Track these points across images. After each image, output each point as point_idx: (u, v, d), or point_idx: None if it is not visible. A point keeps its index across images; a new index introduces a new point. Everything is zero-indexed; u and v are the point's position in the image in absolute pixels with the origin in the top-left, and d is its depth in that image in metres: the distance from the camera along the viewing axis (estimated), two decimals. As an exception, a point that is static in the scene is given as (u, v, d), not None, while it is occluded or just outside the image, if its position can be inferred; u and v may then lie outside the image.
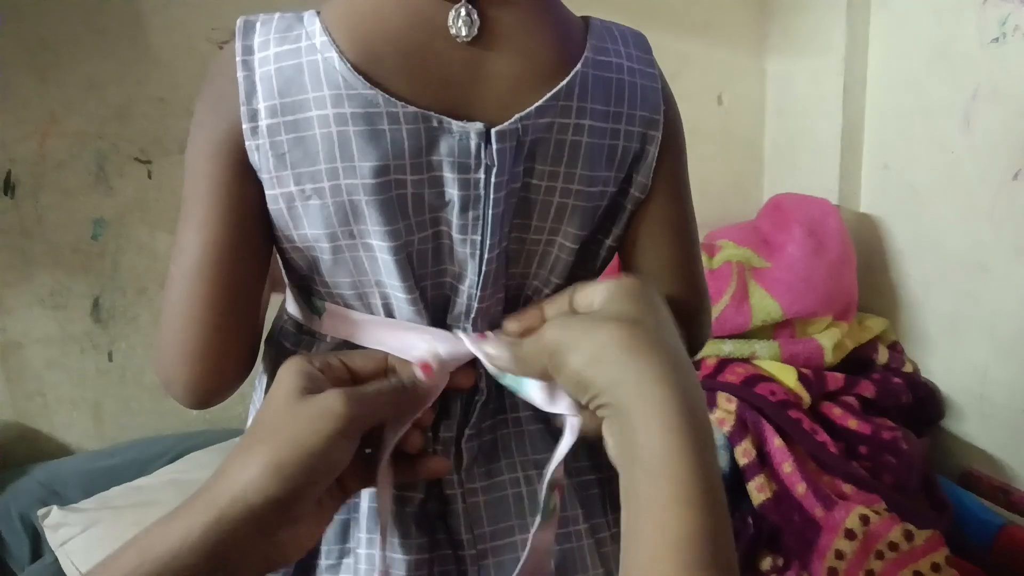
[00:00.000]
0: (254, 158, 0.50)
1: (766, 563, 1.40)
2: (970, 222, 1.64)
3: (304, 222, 0.52)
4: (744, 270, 1.69)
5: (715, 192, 2.07)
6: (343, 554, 0.58)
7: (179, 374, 0.53)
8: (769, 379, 1.55)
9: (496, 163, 0.51)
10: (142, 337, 1.59)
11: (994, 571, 1.40)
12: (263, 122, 0.50)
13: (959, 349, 1.71)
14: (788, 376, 1.55)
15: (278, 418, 0.46)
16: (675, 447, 0.40)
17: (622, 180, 0.58)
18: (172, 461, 1.49)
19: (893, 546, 1.33)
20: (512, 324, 0.53)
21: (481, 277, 0.55)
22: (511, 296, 0.59)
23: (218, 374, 0.53)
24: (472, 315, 0.57)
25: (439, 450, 0.58)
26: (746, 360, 1.61)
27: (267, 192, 0.52)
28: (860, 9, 1.83)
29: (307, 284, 0.58)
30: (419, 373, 0.53)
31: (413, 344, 0.55)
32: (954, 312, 1.72)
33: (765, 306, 1.62)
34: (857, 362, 1.70)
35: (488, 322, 0.58)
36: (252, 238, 0.53)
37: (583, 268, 0.62)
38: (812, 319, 1.66)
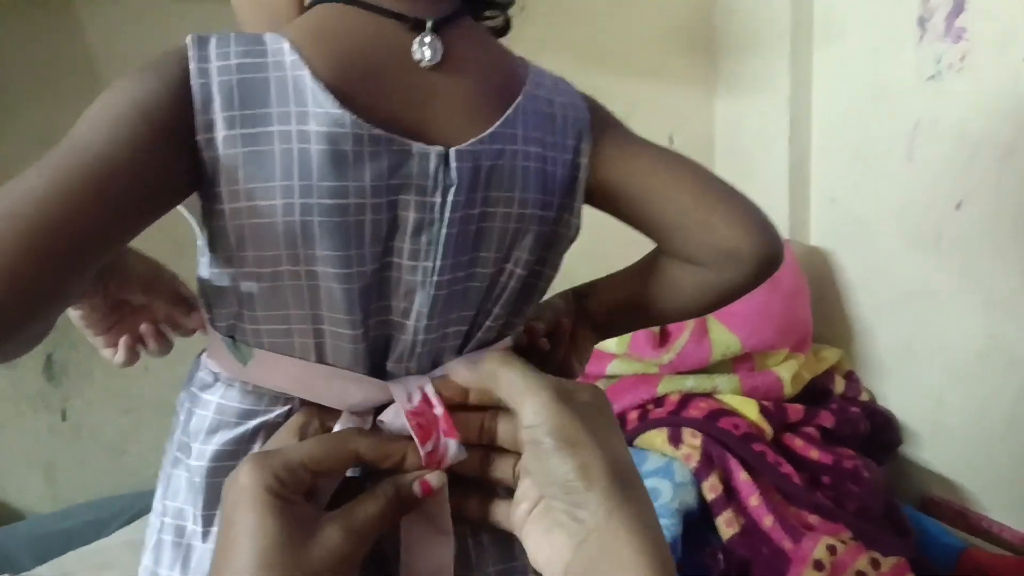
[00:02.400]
0: (208, 168, 0.48)
1: (737, 598, 1.40)
2: (917, 251, 1.69)
3: (247, 243, 0.49)
4: (702, 306, 1.72)
5: (670, 229, 2.10)
6: None
7: None
8: (732, 413, 1.56)
9: (455, 182, 0.52)
10: (97, 393, 1.55)
11: (959, 595, 1.42)
12: (219, 133, 0.47)
13: (913, 376, 1.75)
14: (750, 409, 1.57)
15: (276, 564, 0.43)
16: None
17: (557, 206, 0.59)
18: (130, 522, 1.45)
19: (860, 575, 1.34)
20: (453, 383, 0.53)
21: (430, 306, 0.54)
22: (461, 337, 0.59)
23: (11, 297, 0.40)
24: (416, 351, 0.56)
25: None
26: (708, 395, 1.63)
27: (216, 207, 0.49)
28: (803, 50, 1.89)
29: (232, 325, 0.54)
30: (417, 489, 0.51)
31: (351, 394, 0.54)
32: (906, 340, 1.76)
33: (724, 340, 1.64)
34: (814, 393, 1.73)
35: (431, 362, 0.57)
36: (134, 205, 0.45)
37: (525, 301, 0.62)
38: (770, 352, 1.68)
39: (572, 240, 0.62)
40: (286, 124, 0.48)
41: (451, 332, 0.57)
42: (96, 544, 1.39)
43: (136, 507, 1.47)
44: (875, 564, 1.35)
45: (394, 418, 0.53)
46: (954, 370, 1.65)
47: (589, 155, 0.60)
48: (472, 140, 0.53)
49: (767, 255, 0.61)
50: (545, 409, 0.46)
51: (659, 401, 1.64)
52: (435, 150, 0.51)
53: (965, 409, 1.65)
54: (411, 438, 0.52)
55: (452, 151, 0.52)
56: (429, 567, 0.54)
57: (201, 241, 0.54)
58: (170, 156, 0.47)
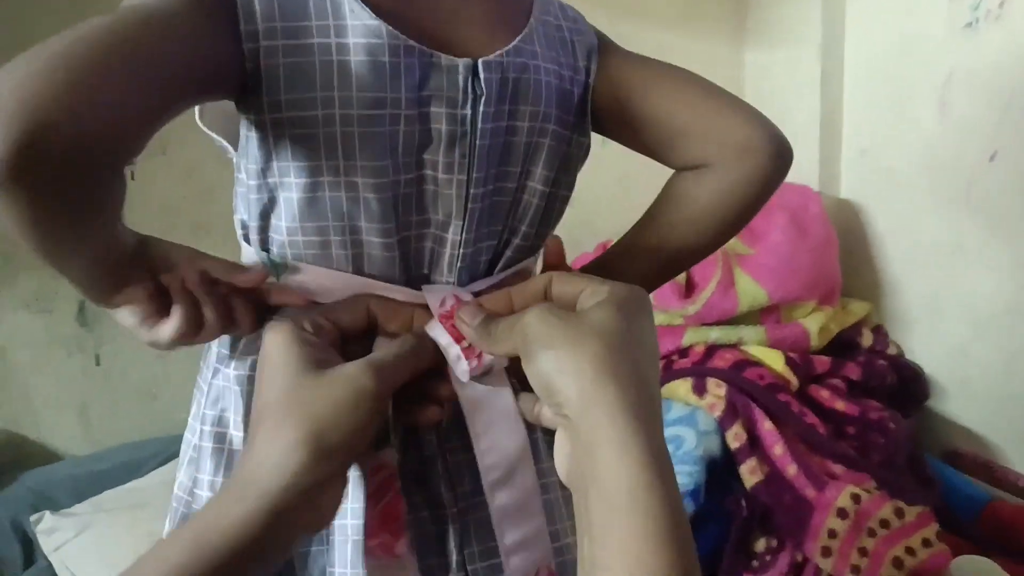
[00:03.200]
0: (251, 77, 0.48)
1: (760, 544, 1.42)
2: (947, 205, 1.67)
3: (288, 152, 0.50)
4: (729, 257, 1.71)
5: (697, 182, 2.08)
6: None
7: (24, 80, 0.37)
8: (757, 364, 1.56)
9: (484, 93, 0.53)
10: (129, 339, 1.56)
11: (982, 545, 1.43)
12: (261, 44, 0.48)
13: (940, 330, 1.74)
14: (776, 360, 1.57)
15: (302, 394, 0.45)
16: (646, 481, 0.39)
17: (573, 126, 0.61)
18: (163, 463, 1.48)
19: (884, 523, 1.35)
20: (477, 309, 0.53)
21: (466, 219, 0.56)
22: (493, 251, 0.60)
23: (96, 128, 0.39)
24: (457, 264, 0.57)
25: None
26: (734, 346, 1.63)
27: (259, 117, 0.49)
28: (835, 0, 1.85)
29: (268, 237, 0.55)
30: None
31: None
32: (934, 294, 1.75)
33: (751, 292, 1.64)
34: (842, 345, 1.72)
35: (471, 275, 0.59)
36: (189, 60, 0.45)
37: (546, 221, 0.63)
38: (797, 304, 1.68)
39: (583, 160, 0.64)
40: (325, 37, 0.48)
41: (484, 247, 0.59)
42: (131, 484, 1.42)
43: (169, 450, 1.50)
44: (899, 513, 1.36)
45: (433, 330, 0.54)
46: (981, 324, 1.64)
47: (596, 74, 0.62)
48: (499, 51, 0.54)
49: (778, 146, 0.61)
50: (532, 321, 0.46)
51: (684, 352, 1.65)
52: (463, 62, 0.52)
53: (991, 363, 1.64)
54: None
55: (480, 62, 0.53)
56: (505, 455, 0.54)
57: (237, 159, 0.55)
58: (219, 33, 0.47)
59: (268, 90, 0.48)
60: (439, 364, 0.53)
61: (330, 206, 0.52)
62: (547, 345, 0.45)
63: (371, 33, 0.49)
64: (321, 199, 0.52)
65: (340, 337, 0.52)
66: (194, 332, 0.53)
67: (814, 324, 1.65)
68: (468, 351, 0.53)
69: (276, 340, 0.48)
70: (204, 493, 0.58)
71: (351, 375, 0.46)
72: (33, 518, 1.33)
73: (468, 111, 0.53)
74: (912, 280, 1.80)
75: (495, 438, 0.53)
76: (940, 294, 1.73)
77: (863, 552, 1.34)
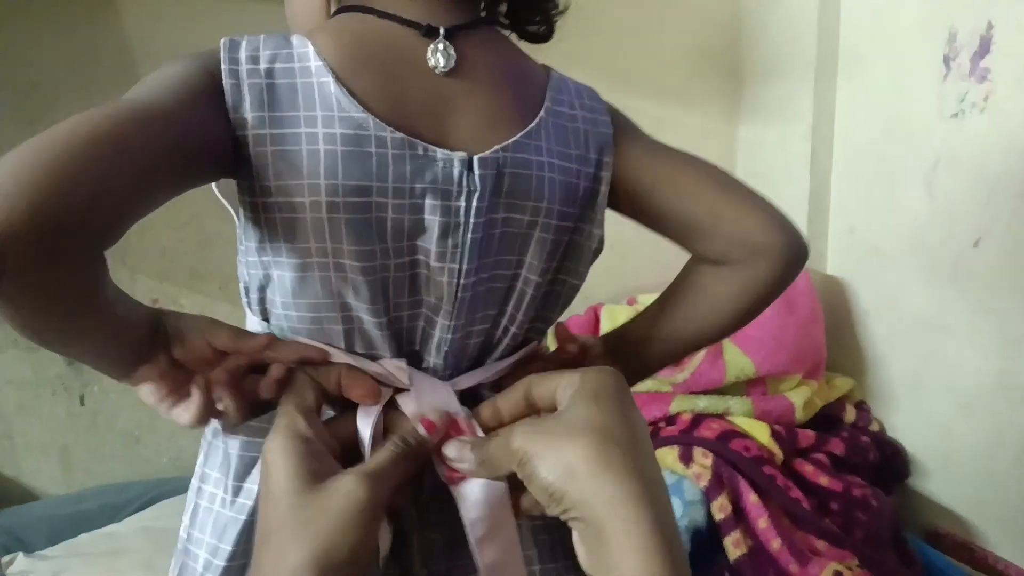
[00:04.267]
0: (243, 162, 0.51)
1: (741, 619, 1.40)
2: (933, 284, 1.71)
3: (279, 233, 0.52)
4: (718, 327, 1.73)
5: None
6: None
7: (32, 180, 0.40)
8: (743, 435, 1.57)
9: (479, 189, 0.54)
10: (115, 382, 1.57)
11: (963, 628, 1.42)
12: (250, 132, 0.50)
13: (923, 407, 1.76)
14: (761, 432, 1.58)
15: (303, 514, 0.45)
16: (653, 569, 0.41)
17: (577, 217, 0.62)
18: (143, 508, 1.46)
19: (866, 602, 1.34)
20: (461, 447, 0.52)
21: (456, 306, 0.57)
22: (485, 336, 0.61)
23: (77, 208, 0.40)
24: (444, 348, 0.58)
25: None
26: (720, 416, 1.64)
27: (250, 199, 0.52)
28: (827, 80, 1.92)
29: (266, 309, 0.58)
30: (421, 429, 0.53)
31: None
32: (918, 371, 1.77)
33: (739, 363, 1.66)
34: (825, 420, 1.74)
35: (456, 360, 0.60)
36: (184, 149, 0.48)
37: (548, 308, 0.64)
38: (783, 377, 1.70)
39: (596, 252, 0.65)
40: (313, 127, 0.51)
41: (475, 331, 0.60)
42: (109, 528, 1.40)
43: (149, 494, 1.49)
44: (881, 592, 1.35)
45: (407, 403, 0.56)
46: (964, 403, 1.66)
47: (612, 167, 0.63)
48: (496, 148, 0.55)
49: (794, 250, 0.64)
50: (523, 444, 0.47)
51: (671, 419, 1.65)
52: (458, 156, 0.54)
53: (974, 443, 1.65)
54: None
55: (476, 158, 0.54)
56: (489, 507, 0.54)
57: (239, 228, 0.57)
58: (209, 118, 0.49)
59: (258, 175, 0.51)
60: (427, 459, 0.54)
61: (320, 285, 0.54)
62: (538, 457, 0.46)
63: (357, 125, 0.51)
64: (311, 279, 0.54)
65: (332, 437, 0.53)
66: (208, 419, 0.54)
67: (799, 398, 1.66)
68: (451, 471, 0.53)
69: (275, 460, 0.48)
70: (198, 551, 0.60)
71: (347, 490, 0.46)
72: (4, 559, 1.31)
73: (462, 203, 0.54)
74: (896, 356, 1.83)
75: (478, 493, 0.53)
76: (924, 371, 1.76)
77: (844, 631, 1.33)
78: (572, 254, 0.63)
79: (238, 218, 0.56)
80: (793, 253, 0.63)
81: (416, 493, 0.58)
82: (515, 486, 0.54)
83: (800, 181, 1.95)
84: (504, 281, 0.60)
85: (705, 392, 1.68)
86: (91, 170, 0.41)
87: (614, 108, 0.67)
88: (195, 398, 0.52)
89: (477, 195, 0.54)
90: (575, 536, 0.47)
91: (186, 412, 0.53)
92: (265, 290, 0.56)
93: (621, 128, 0.65)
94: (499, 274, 0.59)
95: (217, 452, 0.61)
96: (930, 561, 1.56)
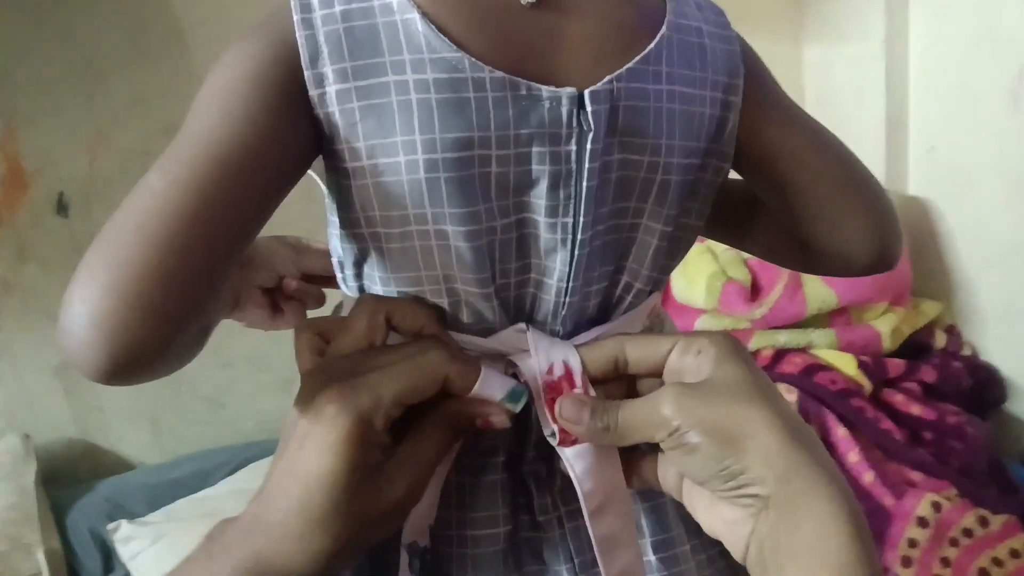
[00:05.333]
0: (324, 126, 0.45)
1: (836, 554, 1.38)
2: (1020, 202, 1.62)
3: (374, 202, 0.47)
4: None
5: (757, 183, 2.05)
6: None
7: (115, 302, 0.38)
8: (828, 368, 1.53)
9: (592, 128, 0.47)
10: (197, 349, 1.60)
11: (1072, 554, 1.37)
12: (331, 88, 0.44)
13: (1016, 330, 1.69)
14: (847, 364, 1.53)
15: (339, 504, 0.41)
16: (855, 555, 0.38)
17: (703, 152, 0.54)
18: (233, 472, 1.50)
19: (968, 532, 1.30)
20: (578, 404, 0.47)
21: (573, 265, 0.50)
22: (603, 296, 0.54)
23: (153, 316, 0.38)
24: (561, 313, 0.52)
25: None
26: (803, 350, 1.59)
27: (339, 165, 0.46)
28: (899, -9, 1.81)
29: (364, 285, 0.52)
30: (480, 424, 0.48)
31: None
32: (1008, 293, 1.69)
33: (820, 294, 1.60)
34: (914, 347, 1.68)
35: (576, 323, 0.53)
36: (263, 182, 0.44)
37: (671, 256, 0.57)
38: (867, 305, 1.64)
39: (719, 186, 0.57)
40: (401, 73, 0.44)
41: (594, 291, 0.53)
42: (202, 492, 1.44)
43: (239, 458, 1.52)
44: (983, 522, 1.31)
45: (526, 369, 0.50)
46: (1062, 323, 1.59)
47: (742, 97, 0.54)
48: (607, 78, 0.48)
49: (878, 267, 0.59)
50: (674, 413, 0.43)
51: (751, 356, 1.62)
52: (567, 92, 0.46)
53: (1074, 364, 1.58)
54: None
55: (587, 92, 0.47)
56: (602, 481, 0.51)
57: (329, 200, 0.52)
58: (289, 122, 0.44)
59: (346, 137, 0.45)
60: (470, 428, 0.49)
61: (421, 256, 0.48)
62: (703, 427, 0.41)
63: (451, 67, 0.44)
64: (411, 249, 0.48)
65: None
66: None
67: (886, 326, 1.61)
68: (565, 433, 0.49)
69: (336, 433, 0.41)
70: None
71: (398, 495, 0.43)
72: (110, 527, 1.36)
73: (573, 147, 0.47)
74: (985, 279, 1.75)
75: (590, 462, 0.49)
76: (1015, 293, 1.67)
77: (945, 562, 1.30)
78: (698, 194, 0.55)
79: (326, 189, 0.51)
80: (875, 269, 0.60)
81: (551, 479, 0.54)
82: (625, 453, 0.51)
83: (875, 102, 1.85)
84: (623, 232, 0.52)
85: (786, 326, 1.63)
86: (176, 279, 0.39)
87: (741, 38, 0.57)
88: (290, 314, 0.63)
89: (591, 135, 0.47)
90: (735, 513, 0.43)
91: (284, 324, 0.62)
92: (362, 265, 0.51)
93: (749, 59, 0.56)
94: (617, 224, 0.52)
95: None
96: (1032, 487, 1.51)
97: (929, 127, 1.83)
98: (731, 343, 0.44)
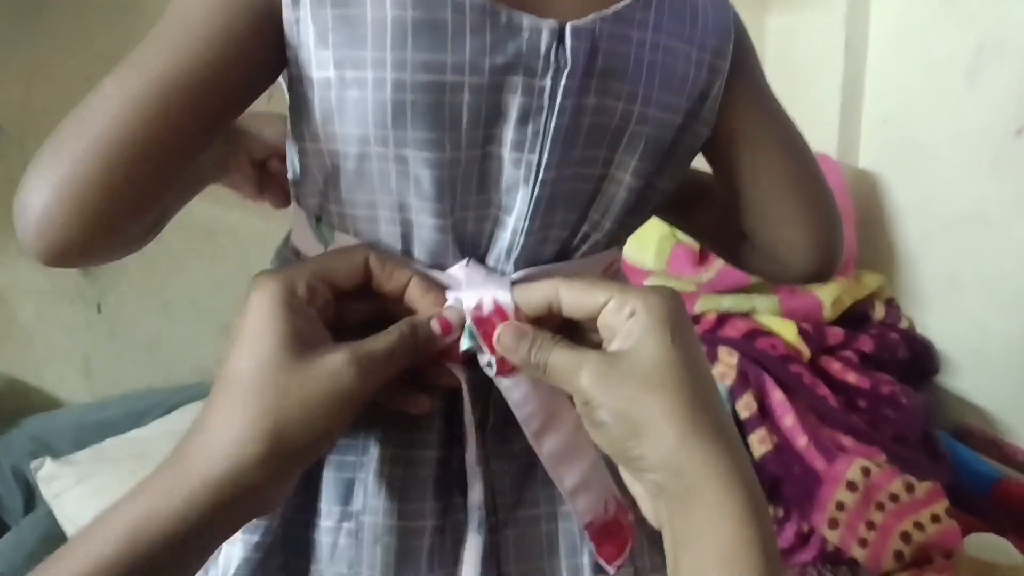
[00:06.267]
0: (292, 33, 0.44)
1: (766, 515, 1.40)
2: (972, 177, 1.64)
3: (335, 117, 0.45)
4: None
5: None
6: (344, 517, 0.53)
7: (43, 201, 0.40)
8: (769, 333, 1.54)
9: (569, 64, 0.45)
10: (132, 288, 1.56)
11: (991, 522, 1.42)
12: None
13: (957, 305, 1.72)
14: (788, 330, 1.54)
15: (275, 378, 0.40)
16: (746, 539, 0.38)
17: (686, 112, 0.53)
18: (166, 413, 1.47)
19: (894, 497, 1.33)
20: (518, 332, 0.46)
21: (532, 203, 0.48)
22: (561, 244, 0.53)
23: (92, 221, 0.41)
24: (515, 253, 0.50)
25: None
26: (746, 315, 1.60)
27: (303, 73, 0.45)
28: (864, -38, 1.80)
29: (318, 205, 0.51)
30: (435, 327, 0.47)
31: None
32: (953, 268, 1.72)
33: (766, 260, 1.61)
34: (854, 317, 1.70)
35: (528, 266, 0.52)
36: (222, 103, 0.45)
37: (636, 215, 0.56)
38: (812, 274, 1.65)
39: (698, 152, 0.57)
40: None
41: (552, 235, 0.52)
42: (133, 433, 1.41)
43: (171, 401, 1.49)
44: (909, 487, 1.34)
45: (455, 302, 0.49)
46: (1001, 299, 1.61)
47: (729, 61, 0.53)
48: (592, 16, 0.46)
49: (815, 276, 0.60)
50: (589, 387, 0.42)
51: (696, 319, 1.62)
52: (548, 24, 0.45)
53: (1009, 339, 1.61)
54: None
55: (568, 26, 0.45)
56: (542, 402, 0.50)
57: (289, 111, 0.50)
58: (257, 34, 0.44)
59: (315, 44, 0.44)
60: (435, 355, 0.48)
61: (378, 179, 0.47)
62: (609, 409, 0.41)
63: None
64: (368, 171, 0.47)
65: (333, 298, 0.46)
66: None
67: (828, 295, 1.62)
68: (503, 363, 0.48)
69: (262, 301, 0.42)
70: None
71: (335, 371, 0.41)
72: (33, 464, 1.32)
73: (548, 83, 0.46)
74: (930, 252, 1.77)
75: (526, 389, 0.49)
76: (959, 268, 1.70)
77: (871, 526, 1.33)
78: (674, 155, 0.54)
79: (287, 95, 0.49)
80: (811, 278, 0.61)
81: (482, 421, 0.53)
82: None
83: (833, 71, 1.85)
84: (590, 181, 0.51)
85: (731, 291, 1.64)
86: (119, 190, 0.42)
87: (734, 8, 0.56)
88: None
89: (567, 71, 0.45)
90: (640, 489, 0.43)
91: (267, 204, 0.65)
92: (316, 184, 0.50)
93: (739, 31, 0.55)
94: (584, 172, 0.51)
95: None
96: (958, 457, 1.55)
97: (885, 99, 1.84)
98: (663, 310, 0.43)
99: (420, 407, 0.49)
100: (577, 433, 0.50)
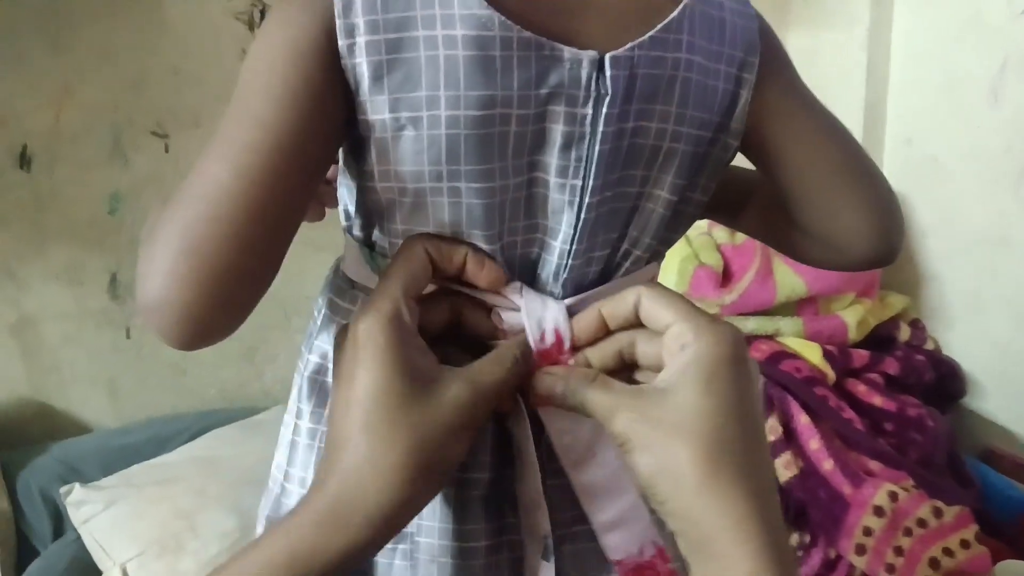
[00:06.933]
0: (350, 76, 0.45)
1: (792, 540, 1.39)
2: (994, 197, 1.62)
3: (391, 156, 0.47)
4: (767, 247, 1.67)
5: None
6: (399, 539, 0.54)
7: (183, 295, 0.42)
8: (794, 356, 1.53)
9: (610, 93, 0.47)
10: (159, 313, 1.57)
11: (1021, 549, 1.40)
12: (361, 39, 0.44)
13: (981, 325, 1.70)
14: (813, 353, 1.53)
15: (410, 415, 0.42)
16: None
17: (715, 127, 0.54)
18: (192, 439, 1.48)
19: (922, 523, 1.32)
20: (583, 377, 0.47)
21: (578, 228, 0.50)
22: (604, 263, 0.55)
23: (230, 303, 0.44)
24: (563, 275, 0.52)
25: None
26: (770, 337, 1.60)
27: (359, 117, 0.46)
28: (885, -20, 1.80)
29: (371, 234, 0.53)
30: (537, 339, 0.49)
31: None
32: (976, 288, 1.70)
33: (789, 282, 1.60)
34: (879, 339, 1.68)
35: (576, 287, 0.54)
36: (317, 155, 0.47)
37: (673, 229, 0.57)
38: (836, 296, 1.64)
39: (728, 164, 0.58)
40: (431, 29, 0.44)
41: (596, 257, 0.54)
42: (160, 458, 1.42)
43: (197, 426, 1.50)
44: (937, 513, 1.33)
45: (513, 317, 0.51)
46: (1025, 320, 1.60)
47: (756, 74, 0.54)
48: (629, 44, 0.48)
49: (874, 261, 0.60)
50: (624, 430, 0.43)
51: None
52: (588, 55, 0.47)
53: (1035, 361, 1.60)
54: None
55: (607, 57, 0.47)
56: (581, 435, 0.51)
57: (342, 150, 0.52)
58: (328, 85, 0.45)
59: (370, 89, 0.45)
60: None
61: (432, 211, 0.49)
62: (640, 449, 0.42)
63: (481, 25, 0.44)
64: (422, 204, 0.49)
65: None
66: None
67: (852, 317, 1.61)
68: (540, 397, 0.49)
69: (375, 335, 0.43)
70: (301, 490, 0.57)
71: (460, 400, 0.43)
72: (63, 490, 1.34)
73: (589, 111, 0.47)
74: (954, 273, 1.76)
75: (569, 418, 0.49)
76: (982, 288, 1.69)
77: (899, 551, 1.31)
78: (705, 168, 0.56)
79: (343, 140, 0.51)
80: (873, 261, 0.60)
81: (535, 439, 0.54)
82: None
83: (855, 91, 1.84)
84: (628, 200, 0.53)
85: (754, 313, 1.63)
86: (238, 268, 0.43)
87: (762, 17, 0.58)
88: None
89: (608, 100, 0.47)
90: (675, 537, 0.43)
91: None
92: (370, 216, 0.52)
93: (767, 38, 0.56)
94: (624, 191, 0.52)
95: (315, 385, 0.57)
96: (987, 481, 1.53)
97: (907, 118, 1.83)
98: (712, 351, 0.43)
99: (504, 408, 0.51)
100: (617, 470, 0.51)
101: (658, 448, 0.41)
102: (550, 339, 0.49)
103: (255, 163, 0.43)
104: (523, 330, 0.50)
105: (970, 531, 1.32)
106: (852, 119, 1.84)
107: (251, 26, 1.53)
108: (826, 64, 1.93)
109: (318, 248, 0.60)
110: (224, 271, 0.43)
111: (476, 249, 0.50)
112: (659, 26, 0.49)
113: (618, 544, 0.52)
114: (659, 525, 0.51)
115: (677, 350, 0.44)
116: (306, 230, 0.52)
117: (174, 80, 1.52)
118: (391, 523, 0.43)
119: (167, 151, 1.52)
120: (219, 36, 1.51)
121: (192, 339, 0.44)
